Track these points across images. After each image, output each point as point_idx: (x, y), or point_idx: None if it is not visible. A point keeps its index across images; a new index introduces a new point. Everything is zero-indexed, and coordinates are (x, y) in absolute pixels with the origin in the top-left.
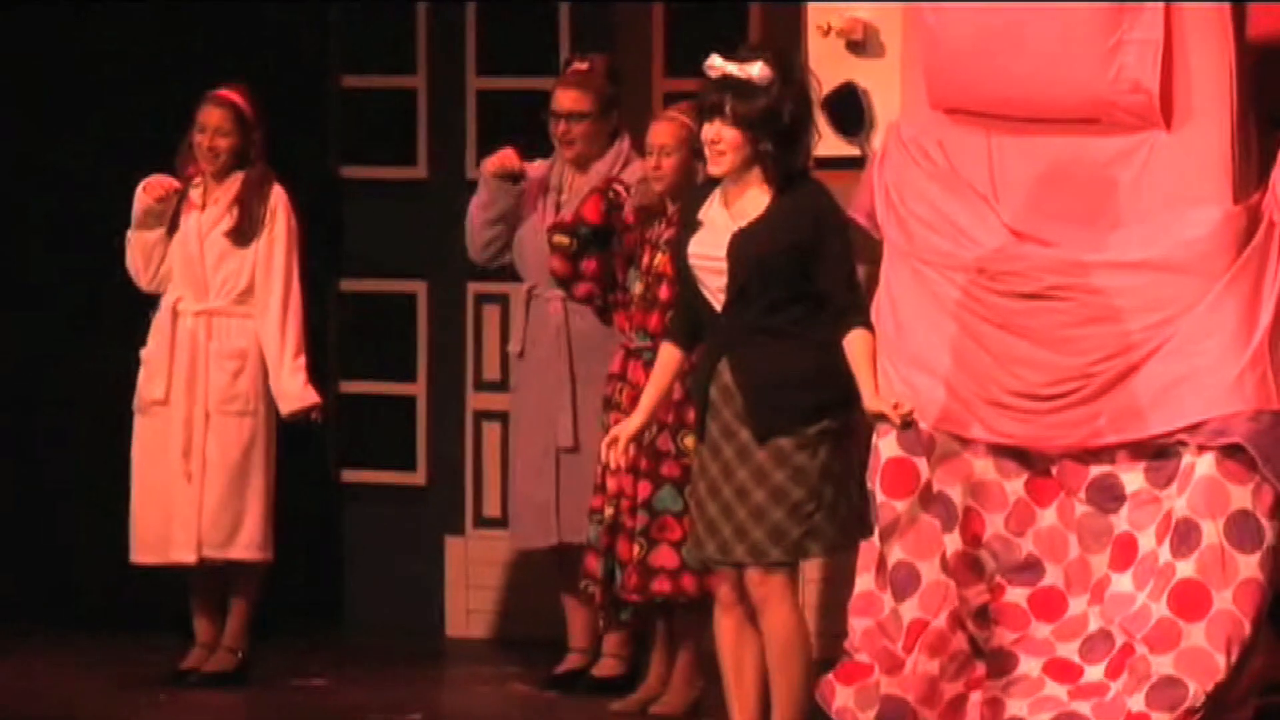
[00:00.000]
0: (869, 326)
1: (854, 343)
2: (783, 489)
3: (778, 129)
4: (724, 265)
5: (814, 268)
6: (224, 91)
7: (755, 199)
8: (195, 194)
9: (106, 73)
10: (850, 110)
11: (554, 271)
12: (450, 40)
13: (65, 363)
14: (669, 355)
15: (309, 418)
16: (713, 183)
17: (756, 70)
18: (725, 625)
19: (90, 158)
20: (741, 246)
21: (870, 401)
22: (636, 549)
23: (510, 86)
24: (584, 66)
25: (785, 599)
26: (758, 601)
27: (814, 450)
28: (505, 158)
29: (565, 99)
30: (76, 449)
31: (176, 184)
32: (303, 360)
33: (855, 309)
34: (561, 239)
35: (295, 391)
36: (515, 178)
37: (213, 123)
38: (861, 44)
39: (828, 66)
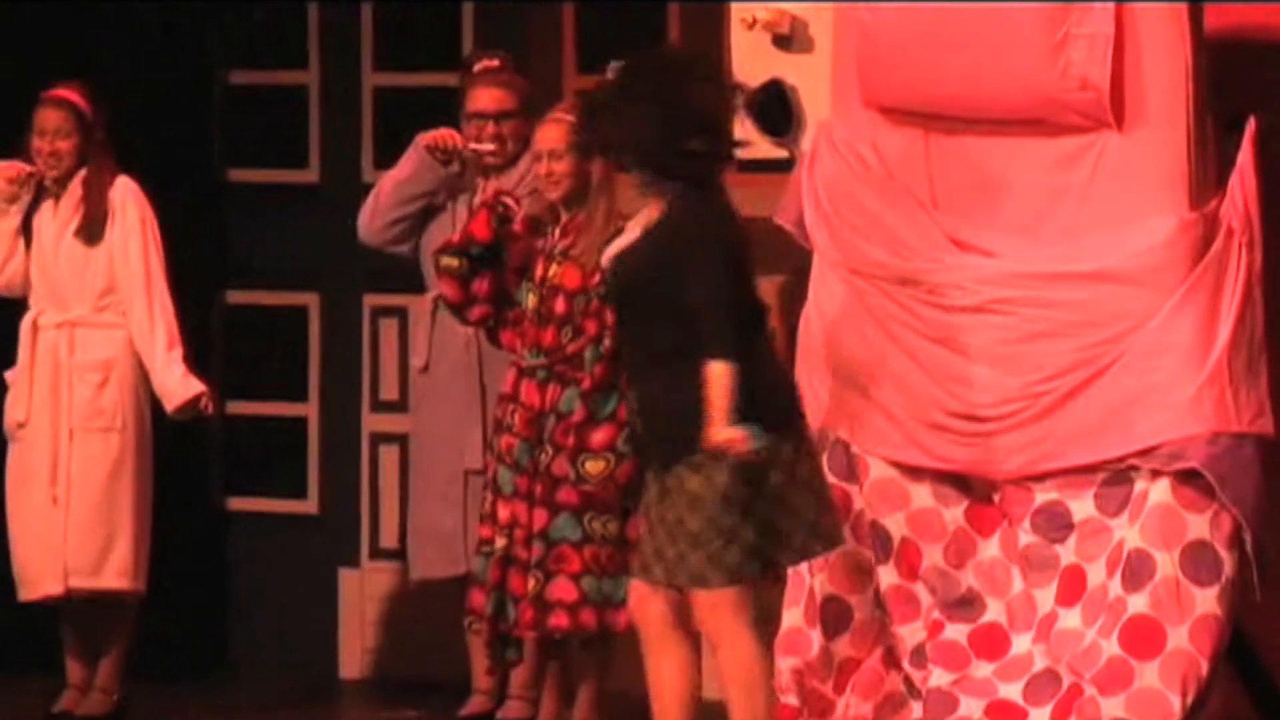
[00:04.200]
0: (722, 356)
1: (709, 376)
2: (682, 519)
3: (625, 144)
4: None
5: (685, 287)
6: (60, 91)
7: (646, 219)
8: (53, 188)
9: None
10: (777, 110)
11: (445, 298)
12: (345, 33)
13: None
14: None
15: (199, 409)
16: None
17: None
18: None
19: None
20: (614, 272)
21: (712, 433)
22: (532, 582)
23: (410, 83)
24: (495, 63)
25: (723, 620)
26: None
27: (709, 478)
28: (446, 133)
29: (489, 98)
30: None
31: (29, 169)
32: (178, 351)
33: (712, 338)
34: (450, 261)
35: (175, 385)
36: (449, 159)
37: (52, 125)
38: (789, 38)
39: (752, 62)
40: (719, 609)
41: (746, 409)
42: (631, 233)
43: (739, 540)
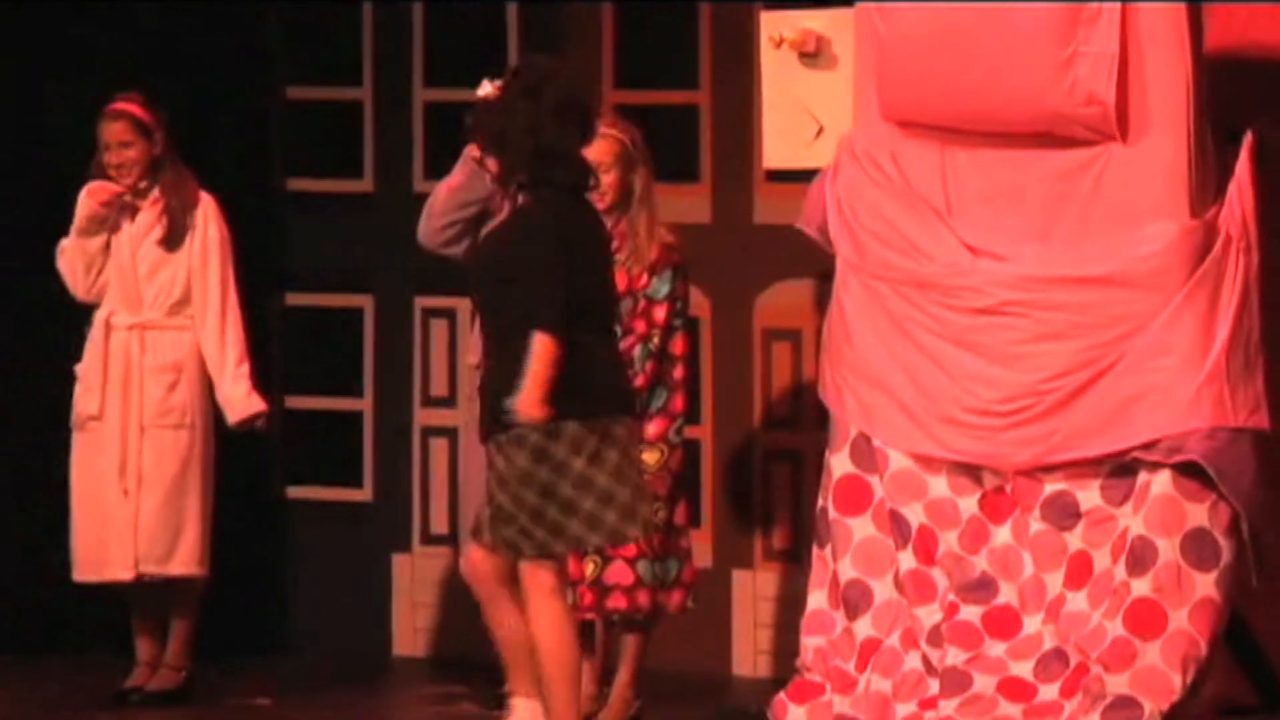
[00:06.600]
0: (543, 328)
1: (532, 347)
2: (490, 492)
3: (504, 145)
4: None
5: (516, 274)
6: (117, 104)
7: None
8: (128, 200)
9: (31, 86)
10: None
11: None
12: (397, 51)
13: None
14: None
15: (257, 426)
16: None
17: (482, 90)
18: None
19: (10, 172)
20: (475, 261)
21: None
22: (590, 566)
23: (458, 98)
24: None
25: (534, 593)
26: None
27: (508, 456)
28: None
29: None
30: (7, 468)
31: (119, 189)
32: (245, 368)
33: (532, 315)
34: None
35: (240, 400)
36: None
37: (114, 138)
38: (814, 55)
39: (780, 78)
40: (529, 580)
41: (567, 392)
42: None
43: (544, 519)
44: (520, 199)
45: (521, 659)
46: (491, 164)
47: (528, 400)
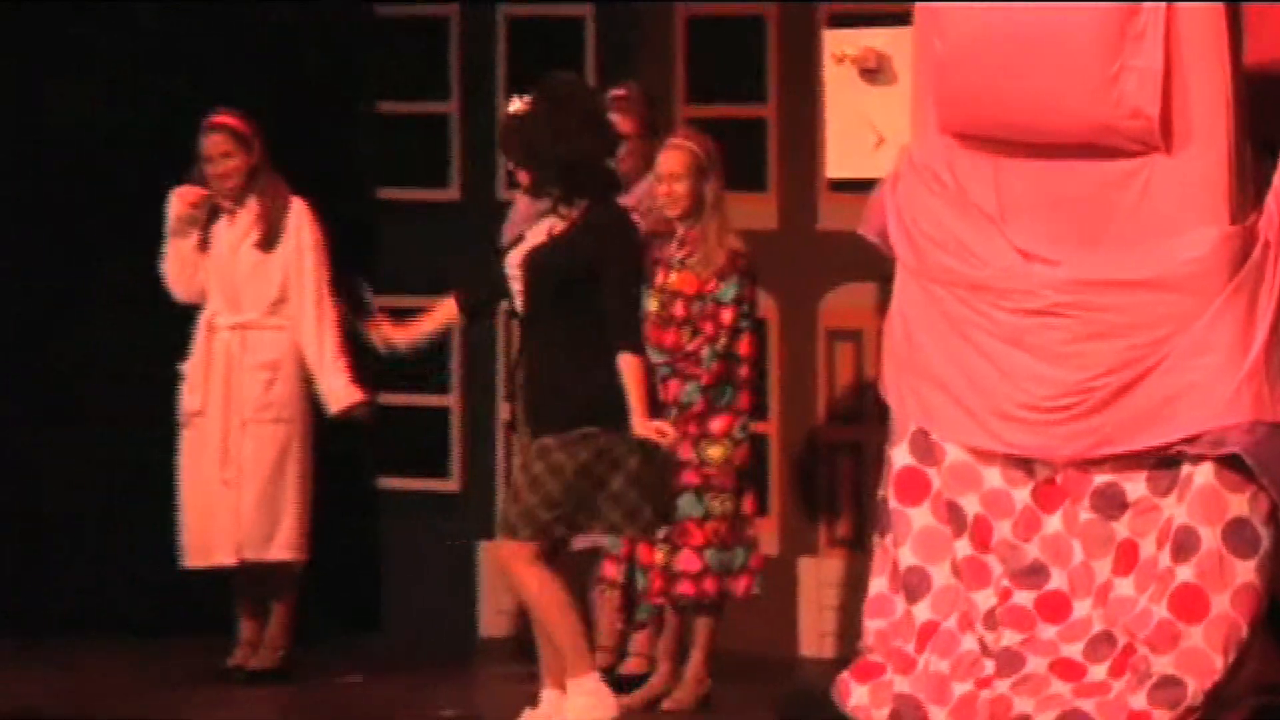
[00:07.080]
0: (634, 350)
1: (622, 368)
2: (539, 479)
3: (532, 157)
4: (519, 275)
5: (599, 288)
6: (217, 118)
7: (551, 225)
8: (228, 205)
9: (146, 98)
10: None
11: None
12: (482, 67)
13: (112, 376)
14: (449, 304)
15: (357, 415)
16: None
17: (512, 106)
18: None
19: (136, 176)
20: (531, 265)
21: (637, 425)
22: (659, 554)
23: None
24: (622, 92)
25: (520, 564)
26: (501, 566)
27: (572, 451)
28: None
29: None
30: (113, 459)
31: (205, 192)
32: (343, 361)
33: (624, 333)
34: None
35: (340, 390)
36: None
37: (216, 150)
38: (875, 72)
39: (842, 93)
40: (507, 553)
41: (602, 404)
42: (537, 236)
43: (590, 505)
44: (570, 209)
45: (554, 654)
46: (523, 177)
47: (644, 424)
